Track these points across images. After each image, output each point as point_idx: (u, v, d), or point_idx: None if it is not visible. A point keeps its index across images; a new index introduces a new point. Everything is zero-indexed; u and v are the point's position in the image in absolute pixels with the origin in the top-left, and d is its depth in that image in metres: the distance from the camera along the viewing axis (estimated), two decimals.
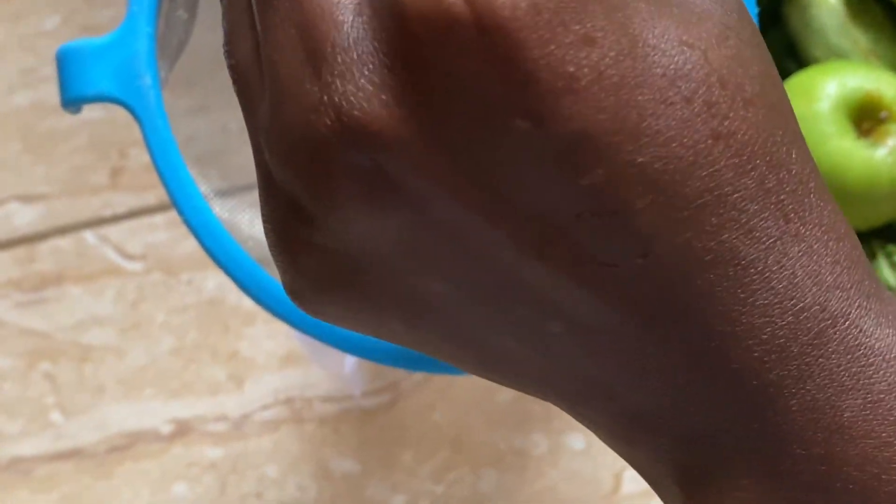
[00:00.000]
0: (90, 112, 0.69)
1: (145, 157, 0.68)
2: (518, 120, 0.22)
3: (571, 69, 0.21)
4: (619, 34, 0.22)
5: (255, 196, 0.55)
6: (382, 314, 0.25)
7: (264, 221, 0.24)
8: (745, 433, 0.24)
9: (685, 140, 0.22)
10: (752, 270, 0.23)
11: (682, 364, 0.24)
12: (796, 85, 0.60)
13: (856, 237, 0.25)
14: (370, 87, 0.22)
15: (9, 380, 0.67)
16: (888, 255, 0.59)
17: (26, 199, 0.68)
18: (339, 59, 0.22)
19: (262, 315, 0.67)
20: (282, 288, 0.46)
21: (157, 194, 0.68)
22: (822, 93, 0.58)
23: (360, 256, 0.24)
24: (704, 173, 0.22)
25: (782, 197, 0.23)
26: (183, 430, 0.66)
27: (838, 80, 0.58)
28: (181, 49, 0.47)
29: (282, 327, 0.67)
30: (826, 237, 0.24)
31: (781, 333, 0.23)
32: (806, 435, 0.24)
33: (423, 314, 0.25)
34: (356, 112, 0.22)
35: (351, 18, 0.22)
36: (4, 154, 0.68)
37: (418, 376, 0.66)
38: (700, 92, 0.22)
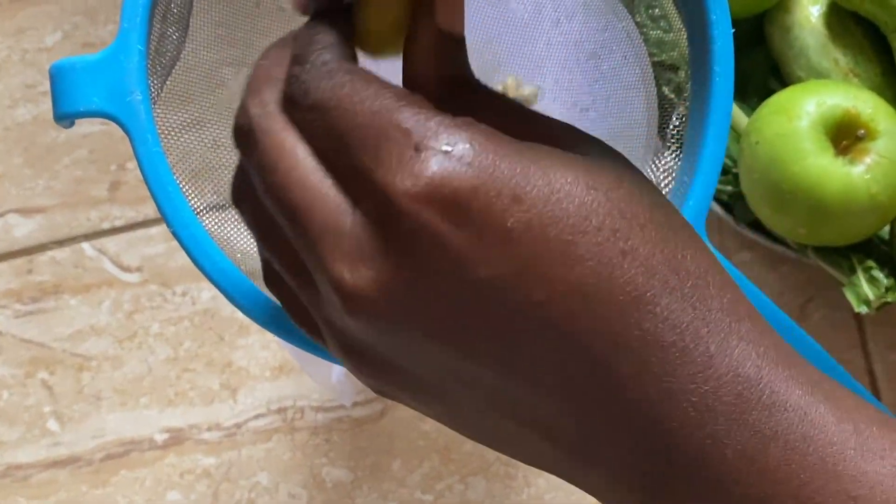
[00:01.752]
0: (90, 126, 0.70)
1: None
2: (483, 268, 0.28)
3: (509, 224, 0.28)
4: (540, 187, 0.29)
5: None
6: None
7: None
8: (689, 479, 0.29)
9: (601, 258, 0.29)
10: (674, 349, 0.29)
11: (632, 432, 0.30)
12: (777, 103, 0.60)
13: (759, 315, 0.31)
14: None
15: (7, 388, 0.68)
16: (866, 270, 0.60)
17: (26, 211, 0.70)
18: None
19: (255, 326, 0.68)
20: (268, 299, 0.47)
21: (154, 207, 0.69)
22: (802, 111, 0.59)
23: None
24: (621, 281, 0.29)
25: (686, 291, 0.30)
26: (177, 438, 0.67)
27: (817, 99, 0.59)
28: (172, 66, 0.48)
29: (275, 338, 0.68)
30: (729, 319, 0.30)
31: (708, 396, 0.29)
32: (741, 478, 0.29)
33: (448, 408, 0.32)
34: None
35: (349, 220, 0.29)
36: (6, 167, 0.70)
37: None
38: (607, 222, 0.29)
